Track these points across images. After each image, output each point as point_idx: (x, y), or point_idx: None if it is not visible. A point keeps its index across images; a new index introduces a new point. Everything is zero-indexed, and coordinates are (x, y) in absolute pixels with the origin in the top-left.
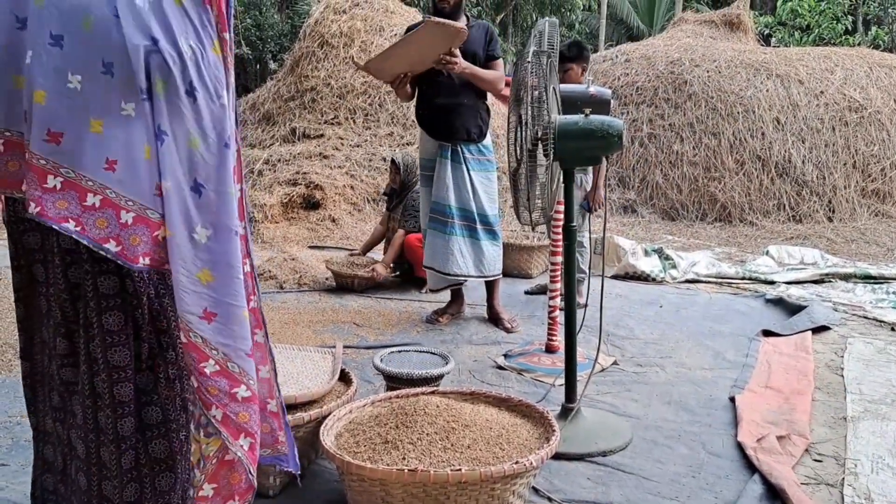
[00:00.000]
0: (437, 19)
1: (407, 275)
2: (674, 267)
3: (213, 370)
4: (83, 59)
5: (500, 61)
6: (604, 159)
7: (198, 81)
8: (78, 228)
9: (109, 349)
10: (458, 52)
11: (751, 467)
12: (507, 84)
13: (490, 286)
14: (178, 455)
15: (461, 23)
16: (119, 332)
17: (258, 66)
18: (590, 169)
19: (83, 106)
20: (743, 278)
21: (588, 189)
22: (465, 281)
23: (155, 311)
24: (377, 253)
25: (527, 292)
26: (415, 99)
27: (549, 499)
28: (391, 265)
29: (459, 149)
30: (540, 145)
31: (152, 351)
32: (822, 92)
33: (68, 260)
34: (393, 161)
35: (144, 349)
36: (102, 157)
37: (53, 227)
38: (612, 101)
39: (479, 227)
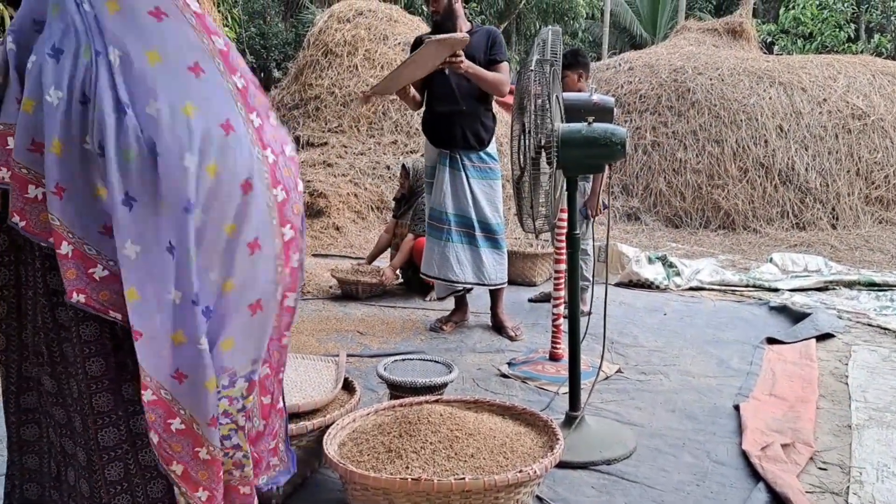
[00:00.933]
0: (439, 37)
1: (411, 282)
2: (677, 274)
3: (178, 428)
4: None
5: (505, 65)
6: (606, 167)
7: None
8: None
9: (88, 359)
10: (461, 53)
11: (755, 476)
12: (510, 92)
13: (494, 294)
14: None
15: (461, 29)
16: (94, 342)
17: (262, 75)
18: (590, 175)
19: (53, 123)
20: (747, 286)
21: (587, 195)
22: (471, 289)
23: None
24: (383, 261)
25: (530, 300)
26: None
27: None
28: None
29: (459, 156)
30: (543, 153)
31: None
32: (825, 99)
33: (48, 265)
34: (403, 167)
35: (131, 360)
36: (53, 180)
37: (40, 242)
38: (615, 109)
39: (478, 234)
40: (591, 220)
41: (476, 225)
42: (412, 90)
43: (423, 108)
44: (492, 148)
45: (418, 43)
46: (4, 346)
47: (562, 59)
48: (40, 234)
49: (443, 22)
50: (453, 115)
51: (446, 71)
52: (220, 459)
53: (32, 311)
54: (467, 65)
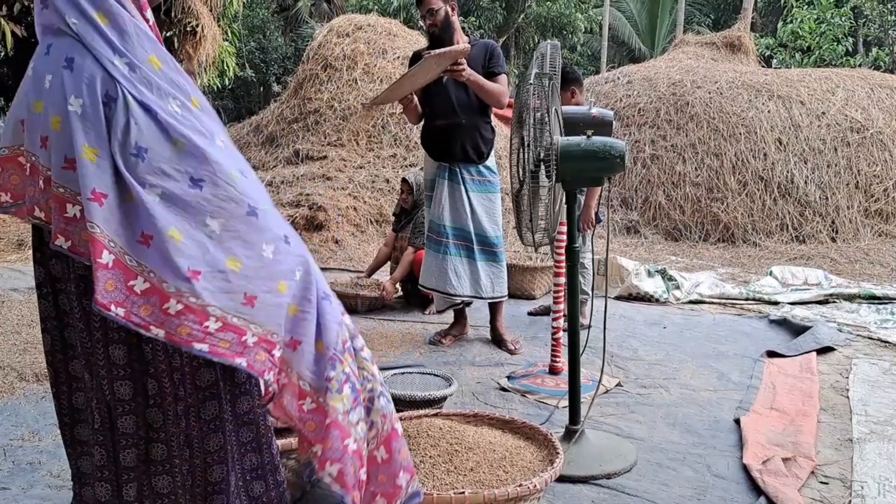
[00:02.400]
0: (438, 51)
1: (410, 295)
2: (677, 288)
3: (309, 407)
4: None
5: (503, 77)
6: (605, 180)
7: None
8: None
9: (115, 382)
10: (463, 61)
11: (756, 490)
12: (509, 105)
13: (493, 308)
14: (179, 490)
15: (459, 41)
16: (124, 366)
17: (262, 89)
18: (584, 188)
19: (79, 130)
20: (747, 299)
21: (581, 208)
22: (470, 302)
23: (170, 349)
24: (382, 275)
25: (529, 313)
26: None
27: None
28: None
29: (458, 169)
30: (542, 167)
31: (162, 388)
32: (823, 113)
33: (82, 287)
34: (405, 180)
35: (153, 385)
36: (89, 187)
37: (84, 261)
38: (613, 122)
39: (475, 247)
40: (583, 233)
41: (474, 238)
42: (416, 99)
43: (422, 122)
44: (491, 161)
45: (416, 58)
46: (54, 378)
47: None
48: (85, 253)
49: (440, 35)
50: (452, 129)
51: (444, 80)
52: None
53: (78, 340)
54: (469, 72)
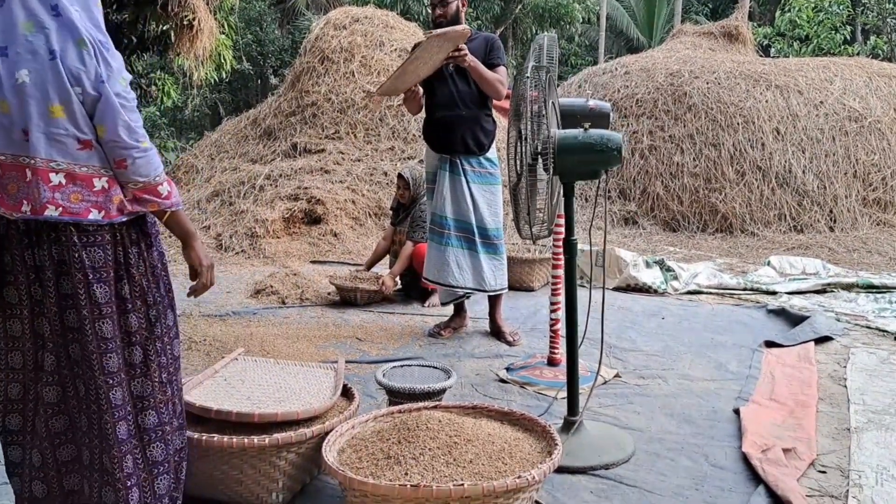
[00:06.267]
0: (438, 31)
1: (408, 288)
2: (675, 278)
3: None
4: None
5: (503, 68)
6: (602, 172)
7: None
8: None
9: (104, 355)
10: (464, 46)
11: (754, 480)
12: (508, 97)
13: (493, 300)
14: (174, 456)
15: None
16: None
17: (259, 82)
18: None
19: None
20: (745, 289)
21: None
22: (469, 294)
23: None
24: (381, 268)
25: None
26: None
27: None
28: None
29: (459, 161)
30: (540, 160)
31: (147, 356)
32: (821, 102)
33: (59, 270)
34: (400, 176)
35: (137, 354)
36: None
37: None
38: (611, 114)
39: (477, 239)
40: None
41: (475, 231)
42: (420, 90)
43: (422, 114)
44: (492, 153)
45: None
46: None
47: None
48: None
49: (449, 25)
50: (453, 121)
51: (445, 71)
52: None
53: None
54: (471, 58)
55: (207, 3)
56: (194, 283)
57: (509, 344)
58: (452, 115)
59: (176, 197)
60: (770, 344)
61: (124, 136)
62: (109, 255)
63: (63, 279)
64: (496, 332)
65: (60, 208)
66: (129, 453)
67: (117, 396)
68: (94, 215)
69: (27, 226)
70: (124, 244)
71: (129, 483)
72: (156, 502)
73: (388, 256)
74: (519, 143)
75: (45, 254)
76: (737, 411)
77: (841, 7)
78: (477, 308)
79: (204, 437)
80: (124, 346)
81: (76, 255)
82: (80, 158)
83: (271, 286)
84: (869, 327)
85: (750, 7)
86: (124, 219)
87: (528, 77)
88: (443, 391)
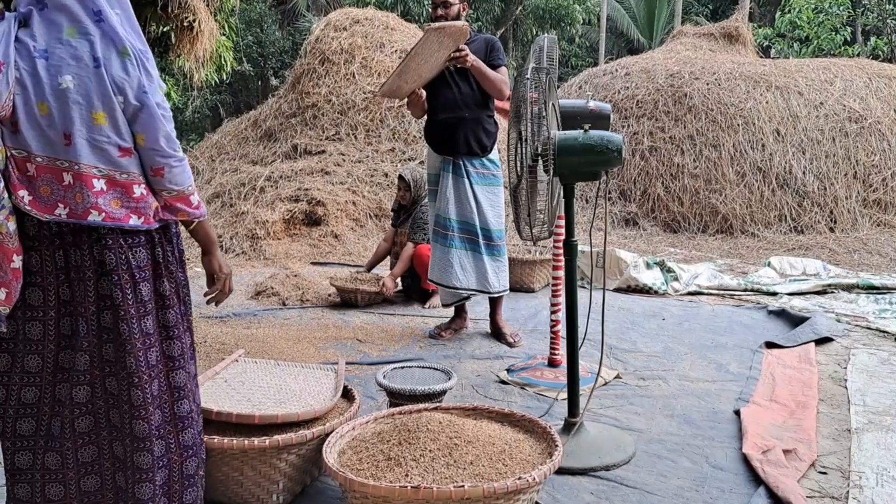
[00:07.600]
0: (437, 25)
1: (409, 289)
2: (676, 279)
3: None
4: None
5: (504, 69)
6: (602, 174)
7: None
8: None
9: (148, 350)
10: (465, 47)
11: (755, 481)
12: (509, 98)
13: (494, 301)
14: (203, 443)
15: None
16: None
17: (260, 83)
18: None
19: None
20: (745, 290)
21: None
22: (471, 296)
23: (181, 282)
24: (382, 270)
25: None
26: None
27: None
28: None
29: (462, 162)
30: (540, 161)
31: (183, 348)
32: (821, 103)
33: (100, 272)
34: (401, 177)
35: (176, 347)
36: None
37: (124, 227)
38: (611, 115)
39: (481, 241)
40: None
41: (479, 233)
42: (423, 94)
43: (424, 117)
44: (494, 154)
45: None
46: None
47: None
48: (122, 219)
49: (446, 22)
50: (456, 122)
51: (447, 73)
52: None
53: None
54: (472, 58)
55: (208, 5)
56: (211, 290)
57: (510, 345)
58: (454, 116)
59: (203, 207)
60: (770, 345)
61: (164, 145)
62: (149, 256)
63: (103, 280)
64: (497, 334)
65: (103, 213)
66: (163, 438)
67: (154, 388)
68: (133, 221)
69: (59, 227)
70: (162, 244)
71: (159, 465)
72: (184, 481)
73: (388, 258)
74: (519, 145)
75: (84, 255)
76: (737, 412)
77: (841, 8)
78: (477, 309)
79: (204, 439)
80: (162, 339)
81: (123, 257)
82: (120, 165)
83: (272, 287)
84: (869, 328)
85: (750, 8)
86: (157, 225)
87: (528, 78)
88: (443, 392)
